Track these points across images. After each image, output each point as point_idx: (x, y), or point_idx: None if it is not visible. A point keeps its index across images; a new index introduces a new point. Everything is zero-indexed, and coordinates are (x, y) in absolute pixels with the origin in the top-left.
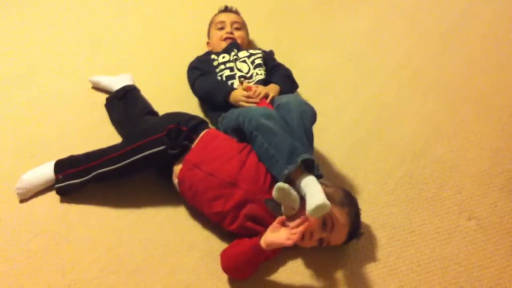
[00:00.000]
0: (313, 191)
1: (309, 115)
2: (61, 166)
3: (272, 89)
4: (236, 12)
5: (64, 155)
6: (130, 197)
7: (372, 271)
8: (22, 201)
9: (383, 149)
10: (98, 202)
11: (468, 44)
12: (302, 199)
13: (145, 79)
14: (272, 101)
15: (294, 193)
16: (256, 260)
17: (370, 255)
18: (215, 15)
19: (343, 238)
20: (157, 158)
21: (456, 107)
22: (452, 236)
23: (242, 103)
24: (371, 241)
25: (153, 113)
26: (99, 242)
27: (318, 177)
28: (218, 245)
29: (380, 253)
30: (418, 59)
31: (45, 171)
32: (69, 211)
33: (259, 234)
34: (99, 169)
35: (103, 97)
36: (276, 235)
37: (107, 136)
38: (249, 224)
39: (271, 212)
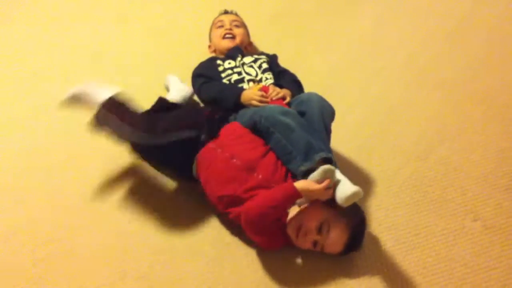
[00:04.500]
0: (342, 180)
1: (329, 112)
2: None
3: (287, 93)
4: (236, 14)
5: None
6: (136, 203)
7: (378, 273)
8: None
9: (388, 151)
10: (105, 209)
11: (473, 44)
12: None
13: (149, 84)
14: (288, 104)
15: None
16: (283, 207)
17: (376, 258)
18: (215, 18)
19: (339, 247)
20: (189, 143)
21: (461, 107)
22: (458, 237)
23: (255, 102)
24: (377, 244)
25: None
26: (105, 249)
27: None
28: (224, 251)
29: (386, 255)
30: (423, 59)
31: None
32: (75, 219)
33: None
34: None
35: None
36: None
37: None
38: None
39: None
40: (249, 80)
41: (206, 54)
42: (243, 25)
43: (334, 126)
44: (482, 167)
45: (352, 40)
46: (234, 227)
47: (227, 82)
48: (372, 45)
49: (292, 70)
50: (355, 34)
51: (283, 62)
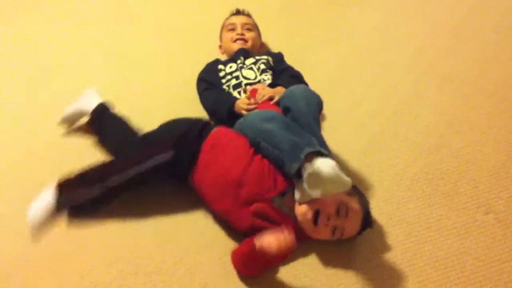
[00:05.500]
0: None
1: (315, 103)
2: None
3: (278, 91)
4: (248, 15)
5: (78, 157)
6: (146, 199)
7: (390, 267)
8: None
9: (398, 144)
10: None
11: (481, 36)
12: None
13: (156, 83)
14: (278, 103)
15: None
16: (261, 259)
17: (388, 252)
18: (226, 18)
19: (357, 226)
20: (166, 168)
21: (471, 101)
22: (470, 231)
23: (243, 112)
24: (388, 238)
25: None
26: (117, 244)
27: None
28: (235, 245)
29: (398, 249)
30: (432, 53)
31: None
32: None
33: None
34: (104, 182)
35: (117, 101)
36: (271, 236)
37: None
38: (258, 222)
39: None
40: (246, 84)
41: (216, 53)
42: (255, 27)
43: (343, 120)
44: (493, 159)
45: (360, 34)
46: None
47: (227, 88)
48: (380, 39)
49: (300, 63)
50: (363, 27)
51: (291, 56)
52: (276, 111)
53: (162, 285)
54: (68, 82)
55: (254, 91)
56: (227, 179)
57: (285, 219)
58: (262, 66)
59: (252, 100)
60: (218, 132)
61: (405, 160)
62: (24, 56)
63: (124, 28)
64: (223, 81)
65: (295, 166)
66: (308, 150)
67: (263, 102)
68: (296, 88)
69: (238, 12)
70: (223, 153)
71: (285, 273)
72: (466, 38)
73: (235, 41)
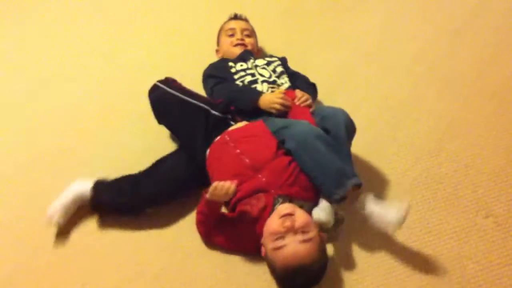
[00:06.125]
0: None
1: (353, 131)
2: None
3: (310, 99)
4: (246, 20)
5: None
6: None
7: (390, 273)
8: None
9: (398, 148)
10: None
11: (481, 39)
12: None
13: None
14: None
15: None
16: (210, 211)
17: (387, 257)
18: (225, 22)
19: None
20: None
21: (471, 103)
22: (470, 235)
23: (277, 106)
24: (388, 242)
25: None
26: (118, 250)
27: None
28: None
29: (397, 254)
30: (432, 55)
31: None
32: (87, 221)
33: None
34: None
35: (119, 102)
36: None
37: (127, 142)
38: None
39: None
40: (263, 81)
41: (215, 56)
42: (253, 33)
43: None
44: (493, 163)
45: (360, 37)
46: None
47: (240, 83)
48: (380, 41)
49: (301, 67)
50: (363, 31)
51: (292, 60)
52: (311, 123)
53: None
54: (67, 84)
55: (291, 93)
56: (250, 160)
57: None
58: (279, 68)
59: (288, 98)
60: (259, 123)
61: (404, 164)
62: (23, 58)
63: (124, 30)
64: (236, 76)
65: (340, 193)
66: (354, 181)
67: (304, 107)
68: (340, 112)
69: (236, 17)
70: (255, 138)
71: None
72: (466, 41)
73: (235, 45)
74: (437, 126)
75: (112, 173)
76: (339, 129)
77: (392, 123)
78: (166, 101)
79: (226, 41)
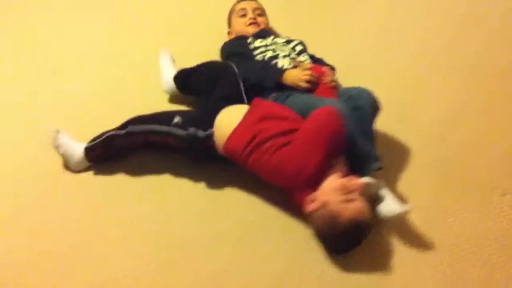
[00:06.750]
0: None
1: (378, 109)
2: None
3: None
4: (255, 0)
5: None
6: (158, 190)
7: (405, 252)
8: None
9: (408, 133)
10: (127, 198)
11: (488, 25)
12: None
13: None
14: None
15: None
16: None
17: (402, 237)
18: (235, 4)
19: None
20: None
21: (479, 87)
22: (486, 213)
23: (303, 84)
24: (403, 224)
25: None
26: (131, 238)
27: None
28: (248, 233)
29: (412, 235)
30: (439, 41)
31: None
32: (98, 208)
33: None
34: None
35: (123, 97)
36: None
37: None
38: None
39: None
40: (284, 56)
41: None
42: (264, 12)
43: None
44: (505, 142)
45: (365, 25)
46: (258, 214)
47: (261, 59)
48: (386, 29)
49: None
50: (368, 19)
51: None
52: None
53: (178, 275)
54: (68, 80)
55: (317, 68)
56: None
57: None
58: (299, 47)
59: (314, 74)
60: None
61: (415, 148)
62: (24, 54)
63: (124, 25)
64: (256, 52)
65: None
66: (377, 165)
67: (324, 84)
68: (366, 92)
69: None
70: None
71: (295, 261)
72: (472, 25)
73: (248, 25)
74: (447, 109)
75: (115, 166)
76: (366, 110)
77: (401, 109)
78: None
79: (239, 21)
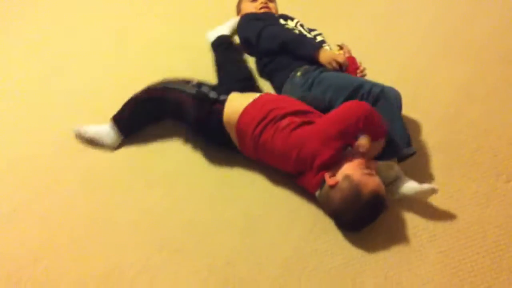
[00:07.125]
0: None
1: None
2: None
3: None
4: None
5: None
6: (167, 177)
7: (411, 238)
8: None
9: (417, 116)
10: (137, 187)
11: (498, 4)
12: None
13: (171, 67)
14: None
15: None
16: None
17: (408, 222)
18: None
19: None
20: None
21: (489, 70)
22: (491, 199)
23: (334, 64)
24: (409, 209)
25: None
26: (140, 225)
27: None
28: (256, 221)
29: (418, 220)
30: (449, 23)
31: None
32: (108, 198)
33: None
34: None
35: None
36: None
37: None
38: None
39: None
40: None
41: None
42: None
43: None
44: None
45: (375, 7)
46: (266, 201)
47: None
48: (397, 10)
49: None
50: (380, 3)
51: None
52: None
53: (187, 263)
54: (80, 68)
55: (352, 59)
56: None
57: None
58: (320, 38)
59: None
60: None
61: (424, 132)
62: (35, 42)
63: (134, 14)
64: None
65: (409, 151)
66: (412, 150)
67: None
68: (395, 89)
69: None
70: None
71: (300, 251)
72: (483, 6)
73: (260, 9)
74: (456, 93)
75: (126, 153)
76: (397, 103)
77: (411, 92)
78: None
79: (250, 6)
